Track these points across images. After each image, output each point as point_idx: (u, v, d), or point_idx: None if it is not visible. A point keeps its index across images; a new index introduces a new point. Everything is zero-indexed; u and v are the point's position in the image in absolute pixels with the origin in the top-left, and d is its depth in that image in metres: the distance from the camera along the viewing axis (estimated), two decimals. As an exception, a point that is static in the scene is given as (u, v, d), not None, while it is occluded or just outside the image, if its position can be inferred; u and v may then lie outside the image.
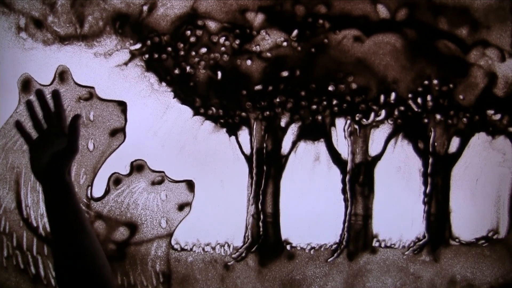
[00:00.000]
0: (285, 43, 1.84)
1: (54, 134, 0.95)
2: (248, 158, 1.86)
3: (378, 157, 1.95)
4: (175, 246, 1.81)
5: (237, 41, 1.81)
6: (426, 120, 1.96)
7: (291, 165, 1.89)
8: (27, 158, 1.70)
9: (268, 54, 1.83)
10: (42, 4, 1.69)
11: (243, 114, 1.85)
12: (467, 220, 2.03)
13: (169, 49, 1.78)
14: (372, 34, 1.89)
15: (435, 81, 1.94)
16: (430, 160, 1.98)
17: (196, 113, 1.82)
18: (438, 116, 1.97)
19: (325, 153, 1.91)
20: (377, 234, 1.96)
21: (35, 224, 1.72)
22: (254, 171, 1.87)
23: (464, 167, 2.01)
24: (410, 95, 1.93)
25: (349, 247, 1.93)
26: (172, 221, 1.80)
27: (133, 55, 1.76)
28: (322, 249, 1.92)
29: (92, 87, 1.72)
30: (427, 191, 1.98)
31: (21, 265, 1.72)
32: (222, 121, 1.84)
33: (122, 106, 1.75)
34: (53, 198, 0.90)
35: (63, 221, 0.88)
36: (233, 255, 1.85)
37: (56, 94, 0.96)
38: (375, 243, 1.95)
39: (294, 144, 1.89)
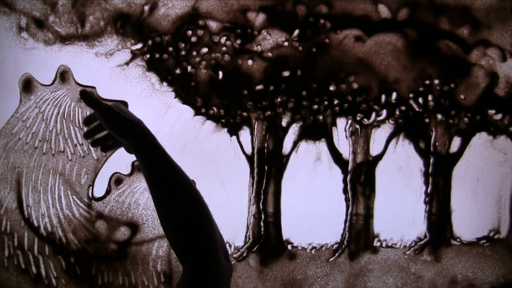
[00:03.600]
0: (286, 43, 1.84)
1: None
2: (250, 158, 1.86)
3: (379, 157, 1.95)
4: (176, 246, 1.80)
5: (238, 41, 1.81)
6: (427, 120, 1.96)
7: (292, 165, 1.89)
8: (28, 158, 1.70)
9: (269, 54, 1.83)
10: (43, 4, 1.69)
11: (244, 114, 1.85)
12: (468, 220, 2.02)
13: (170, 49, 1.78)
14: (373, 34, 1.89)
15: (436, 81, 1.94)
16: (431, 160, 1.98)
17: (197, 113, 1.82)
18: (439, 116, 1.97)
19: (326, 153, 1.91)
20: (378, 234, 1.96)
21: (36, 224, 1.72)
22: (256, 171, 1.86)
23: (465, 167, 2.01)
24: (411, 95, 1.93)
25: (350, 247, 1.93)
26: (173, 221, 1.79)
27: (134, 55, 1.76)
28: (323, 249, 1.92)
29: (93, 87, 1.72)
30: (428, 191, 1.98)
31: (22, 265, 1.72)
32: (223, 121, 1.84)
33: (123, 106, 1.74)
34: (142, 151, 0.91)
35: (159, 168, 0.90)
36: (235, 255, 1.85)
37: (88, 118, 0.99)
38: (376, 243, 1.95)
39: (295, 144, 1.89)
